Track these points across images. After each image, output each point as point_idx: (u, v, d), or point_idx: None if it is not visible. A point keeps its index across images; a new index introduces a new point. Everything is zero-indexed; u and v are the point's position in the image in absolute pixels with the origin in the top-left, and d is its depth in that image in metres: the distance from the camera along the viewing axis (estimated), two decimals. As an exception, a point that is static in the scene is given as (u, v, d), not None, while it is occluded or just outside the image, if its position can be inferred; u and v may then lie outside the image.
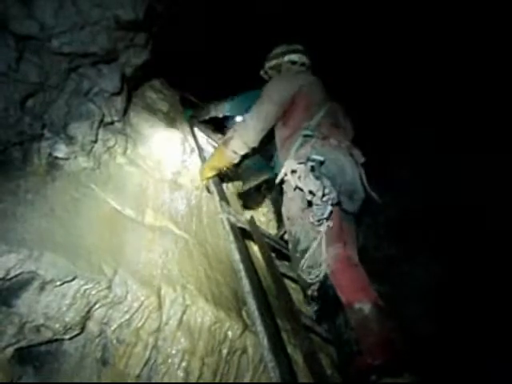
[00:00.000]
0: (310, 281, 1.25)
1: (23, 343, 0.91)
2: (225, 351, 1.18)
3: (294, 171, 1.37)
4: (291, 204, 1.41)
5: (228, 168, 1.72)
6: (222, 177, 1.90)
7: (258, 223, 1.62)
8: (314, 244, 1.22)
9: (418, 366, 0.95)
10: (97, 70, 1.43)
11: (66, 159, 1.32)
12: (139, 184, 1.53)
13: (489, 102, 3.26)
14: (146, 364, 1.04)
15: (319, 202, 1.24)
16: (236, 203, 2.04)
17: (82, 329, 0.99)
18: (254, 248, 1.76)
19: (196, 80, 2.94)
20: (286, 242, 1.60)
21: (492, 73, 3.18)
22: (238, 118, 2.24)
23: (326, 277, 1.20)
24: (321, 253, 1.22)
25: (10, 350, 0.89)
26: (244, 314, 1.35)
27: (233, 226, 1.41)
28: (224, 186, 1.91)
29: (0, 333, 0.88)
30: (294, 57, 1.86)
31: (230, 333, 1.20)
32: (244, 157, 1.64)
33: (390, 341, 0.99)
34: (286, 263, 1.74)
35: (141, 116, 1.85)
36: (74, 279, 0.98)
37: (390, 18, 3.28)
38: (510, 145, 3.16)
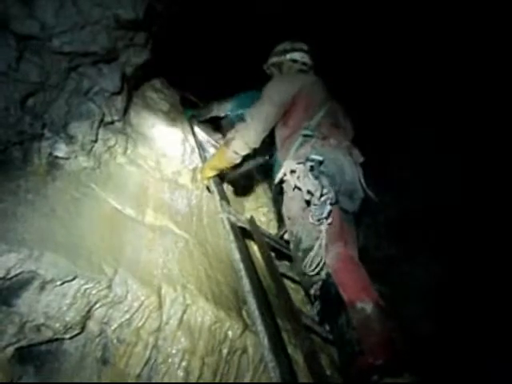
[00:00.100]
0: (312, 280, 1.25)
1: (23, 343, 0.91)
2: (225, 351, 1.18)
3: (293, 171, 1.38)
4: (292, 204, 1.41)
5: (228, 168, 1.72)
6: (223, 177, 1.90)
7: (258, 223, 1.62)
8: (317, 243, 1.22)
9: (418, 366, 0.95)
10: (97, 69, 1.43)
11: (67, 159, 1.32)
12: (139, 184, 1.53)
13: (489, 102, 3.26)
14: (146, 363, 1.04)
15: (317, 201, 1.24)
16: (236, 203, 2.04)
17: (83, 328, 0.99)
18: (254, 247, 1.76)
19: (196, 80, 2.94)
20: (286, 241, 1.61)
21: (492, 72, 3.18)
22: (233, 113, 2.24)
23: (328, 276, 1.20)
24: (323, 252, 1.22)
25: (11, 349, 0.89)
26: (244, 313, 1.35)
27: (233, 226, 1.41)
28: (224, 185, 1.92)
29: (0, 332, 0.88)
30: (296, 55, 1.85)
31: (230, 332, 1.20)
32: (245, 157, 1.64)
33: (391, 341, 0.99)
34: (286, 263, 1.74)
35: (141, 116, 1.85)
36: (74, 279, 0.98)
37: (390, 18, 3.28)
38: (510, 145, 3.16)
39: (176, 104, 2.36)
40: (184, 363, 1.07)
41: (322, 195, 1.25)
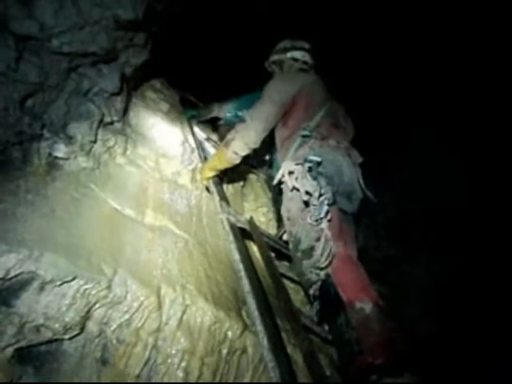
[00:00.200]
0: (311, 280, 1.25)
1: (23, 343, 0.90)
2: (224, 351, 1.18)
3: (291, 172, 1.38)
4: (290, 204, 1.41)
5: (228, 169, 1.72)
6: (222, 177, 1.90)
7: (257, 223, 1.62)
8: (322, 236, 1.21)
9: (418, 365, 0.95)
10: (96, 69, 1.43)
11: (66, 159, 1.32)
12: (139, 184, 1.53)
13: (489, 102, 3.26)
14: (145, 364, 1.04)
15: (316, 202, 1.25)
16: (236, 203, 2.04)
17: (82, 329, 0.99)
18: (254, 248, 1.76)
19: (196, 80, 2.94)
20: (286, 242, 1.61)
21: (492, 73, 3.18)
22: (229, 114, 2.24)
23: (327, 276, 1.20)
24: (330, 243, 1.22)
25: (10, 350, 0.89)
26: (244, 313, 1.35)
27: (232, 226, 1.41)
28: (224, 186, 1.92)
29: (0, 333, 0.88)
30: (297, 54, 1.85)
31: (229, 333, 1.20)
32: (245, 157, 1.64)
33: (390, 340, 1.00)
34: (286, 263, 1.74)
35: (141, 116, 1.85)
36: (73, 279, 0.98)
37: (390, 17, 3.28)
38: (510, 145, 3.16)
39: (176, 104, 2.36)
40: (183, 363, 1.07)
41: (320, 196, 1.25)
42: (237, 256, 1.23)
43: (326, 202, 1.25)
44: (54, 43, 1.23)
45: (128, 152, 1.60)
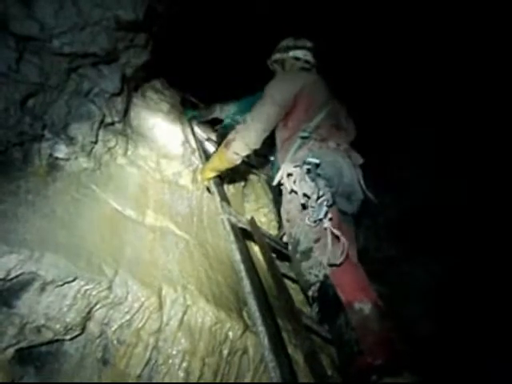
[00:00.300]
0: (310, 281, 1.25)
1: (24, 344, 0.90)
2: (225, 351, 1.18)
3: (289, 174, 1.38)
4: (290, 206, 1.41)
5: (229, 169, 1.72)
6: (223, 177, 1.90)
7: (258, 224, 1.62)
8: (328, 235, 1.21)
9: (418, 365, 0.96)
10: (97, 70, 1.43)
11: (67, 160, 1.32)
12: (140, 185, 1.53)
13: (489, 102, 3.26)
14: (146, 364, 1.04)
15: (314, 204, 1.25)
16: (237, 204, 2.04)
17: (83, 329, 0.99)
18: (255, 248, 1.76)
19: (196, 81, 2.94)
20: (287, 243, 1.61)
21: (492, 73, 3.18)
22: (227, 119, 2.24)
23: (325, 277, 1.20)
24: (321, 253, 1.22)
25: (11, 350, 0.89)
26: (245, 314, 1.35)
27: (233, 227, 1.41)
28: (225, 186, 1.92)
29: (1, 333, 0.87)
30: (299, 53, 1.83)
31: (230, 333, 1.20)
32: (246, 157, 1.64)
33: (390, 340, 1.00)
34: (287, 264, 1.74)
35: (141, 116, 1.85)
36: (74, 280, 0.98)
37: (390, 17, 3.28)
38: (510, 145, 3.16)
39: (176, 105, 2.36)
40: (184, 364, 1.07)
41: (318, 198, 1.25)
42: (238, 256, 1.23)
43: (324, 203, 1.26)
44: (55, 44, 1.23)
45: (129, 153, 1.60)
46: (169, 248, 1.36)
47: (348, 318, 1.08)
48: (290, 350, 1.33)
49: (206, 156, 1.98)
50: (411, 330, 2.52)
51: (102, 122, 1.47)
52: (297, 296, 1.73)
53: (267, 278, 1.55)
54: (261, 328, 0.99)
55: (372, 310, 1.06)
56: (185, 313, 1.15)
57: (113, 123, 1.56)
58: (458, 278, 3.05)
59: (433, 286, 3.06)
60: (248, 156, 1.63)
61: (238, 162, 1.62)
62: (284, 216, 1.46)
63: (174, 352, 1.08)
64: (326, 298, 1.18)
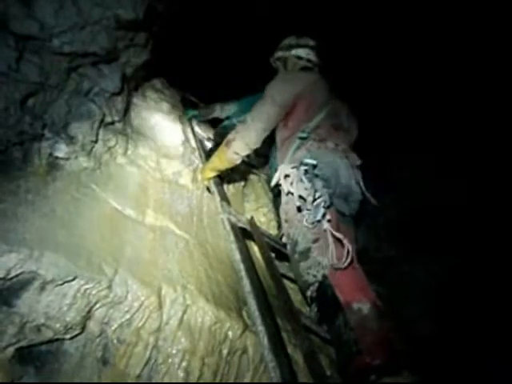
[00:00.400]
0: (308, 282, 1.25)
1: (24, 343, 0.91)
2: (225, 351, 1.18)
3: (287, 176, 1.38)
4: (288, 207, 1.41)
5: (229, 169, 1.72)
6: (223, 177, 1.90)
7: (258, 223, 1.62)
8: (329, 236, 1.21)
9: (417, 365, 0.96)
10: (97, 69, 1.43)
11: (67, 159, 1.32)
12: (140, 184, 1.53)
13: (489, 102, 3.26)
14: (146, 364, 1.04)
15: (310, 206, 1.25)
16: (237, 203, 2.04)
17: (83, 328, 0.99)
18: (255, 248, 1.76)
19: (197, 80, 2.94)
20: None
21: (492, 73, 3.18)
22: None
23: (324, 277, 1.20)
24: (320, 253, 1.22)
25: (11, 349, 0.89)
26: (244, 314, 1.35)
27: (233, 226, 1.42)
28: (225, 186, 1.92)
29: (0, 333, 0.88)
30: (301, 52, 1.82)
31: (230, 333, 1.20)
32: (246, 157, 1.64)
33: (388, 340, 1.00)
34: (286, 263, 1.74)
35: (141, 116, 1.85)
36: (74, 279, 0.98)
37: (390, 16, 3.28)
38: (510, 145, 3.16)
39: (176, 104, 2.37)
40: (184, 363, 1.07)
41: (315, 199, 1.25)
42: (237, 256, 1.23)
43: (322, 204, 1.26)
44: (55, 43, 1.23)
45: (129, 152, 1.60)
46: (169, 247, 1.36)
47: (347, 318, 1.08)
48: (290, 349, 1.33)
49: (206, 156, 1.98)
50: (411, 329, 2.52)
51: (102, 121, 1.47)
52: (296, 296, 1.73)
53: (267, 278, 1.55)
54: (260, 328, 0.99)
55: (371, 310, 1.06)
56: (184, 312, 1.15)
57: (113, 122, 1.56)
58: (458, 278, 3.05)
59: (433, 286, 3.06)
60: (248, 156, 1.64)
61: (238, 161, 1.62)
62: (282, 216, 1.47)
63: (174, 351, 1.08)
64: (325, 298, 1.18)
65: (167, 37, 2.12)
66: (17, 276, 0.92)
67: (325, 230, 1.22)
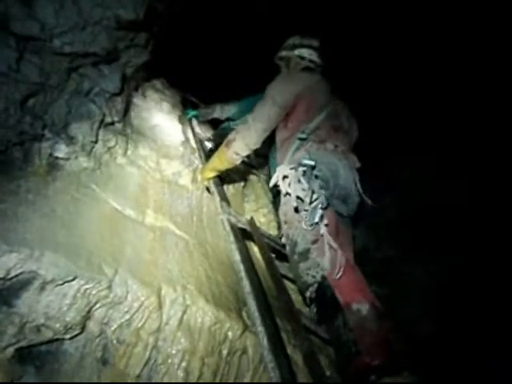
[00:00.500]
0: (307, 282, 1.25)
1: (24, 343, 0.91)
2: (225, 351, 1.18)
3: (285, 177, 1.38)
4: (287, 208, 1.41)
5: (229, 169, 1.72)
6: (223, 177, 1.90)
7: (258, 224, 1.62)
8: (325, 243, 1.21)
9: (417, 365, 0.96)
10: (97, 70, 1.43)
11: (67, 159, 1.32)
12: (140, 184, 1.53)
13: (489, 102, 3.26)
14: (146, 364, 1.04)
15: (307, 207, 1.25)
16: (236, 204, 2.04)
17: (83, 329, 0.99)
18: (255, 249, 1.76)
19: (197, 80, 2.94)
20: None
21: (492, 74, 3.18)
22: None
23: (323, 278, 1.20)
24: (319, 254, 1.22)
25: (11, 349, 0.89)
26: (244, 314, 1.35)
27: (233, 227, 1.42)
28: (224, 186, 1.92)
29: (0, 333, 0.88)
30: (304, 52, 1.81)
31: (230, 333, 1.20)
32: (246, 157, 1.64)
33: (388, 341, 1.00)
34: (286, 264, 1.74)
35: (141, 116, 1.85)
36: (74, 279, 0.98)
37: (390, 17, 3.28)
38: (510, 145, 3.15)
39: (177, 105, 2.37)
40: (184, 364, 1.07)
41: (312, 201, 1.25)
42: (237, 257, 1.24)
43: (319, 205, 1.26)
44: (55, 43, 1.23)
45: (129, 152, 1.60)
46: (168, 248, 1.36)
47: (346, 318, 1.08)
48: (289, 350, 1.33)
49: (206, 156, 1.98)
50: (411, 330, 2.52)
51: (102, 121, 1.47)
52: (296, 296, 1.73)
53: (267, 278, 1.56)
54: (260, 328, 0.99)
55: (370, 310, 1.06)
56: (184, 312, 1.15)
57: (113, 123, 1.56)
58: (458, 278, 3.05)
59: (433, 286, 3.05)
60: (248, 156, 1.64)
61: (238, 161, 1.62)
62: (282, 217, 1.47)
63: (174, 351, 1.08)
64: (324, 298, 1.18)
65: (167, 37, 2.12)
66: (17, 276, 0.92)
67: (322, 235, 1.22)
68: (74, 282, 0.98)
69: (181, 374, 1.06)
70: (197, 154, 1.96)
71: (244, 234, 1.47)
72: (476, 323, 2.81)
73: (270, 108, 1.54)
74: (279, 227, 2.00)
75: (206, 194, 1.80)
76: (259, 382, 1.22)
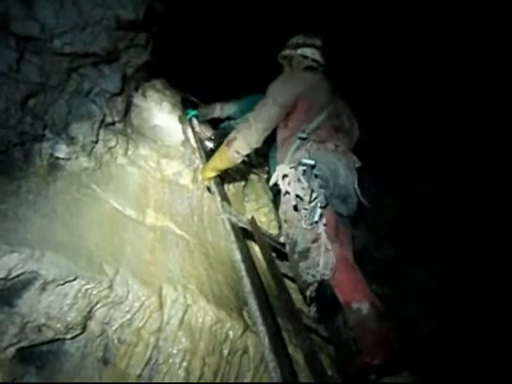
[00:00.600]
0: (307, 282, 1.25)
1: (25, 343, 0.91)
2: (226, 351, 1.18)
3: (285, 176, 1.38)
4: (287, 207, 1.41)
5: (229, 169, 1.72)
6: (223, 177, 1.90)
7: (259, 223, 1.62)
8: (322, 244, 1.21)
9: (417, 365, 0.96)
10: (98, 70, 1.43)
11: (68, 159, 1.32)
12: (140, 184, 1.53)
13: (489, 102, 3.26)
14: (147, 364, 1.04)
15: (307, 206, 1.25)
16: (237, 203, 2.04)
17: (84, 328, 0.99)
18: (255, 248, 1.76)
19: (197, 80, 2.94)
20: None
21: (492, 74, 3.18)
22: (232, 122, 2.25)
23: (323, 277, 1.21)
24: (318, 253, 1.22)
25: (12, 349, 0.89)
26: (245, 314, 1.35)
27: (234, 226, 1.42)
28: (225, 186, 1.92)
29: (1, 333, 0.88)
30: (307, 51, 1.79)
31: (231, 333, 1.20)
32: (247, 157, 1.64)
33: (388, 340, 1.00)
34: (287, 263, 1.74)
35: (142, 116, 1.85)
36: (75, 279, 0.98)
37: (391, 17, 3.28)
38: (510, 145, 3.16)
39: (177, 105, 2.37)
40: (185, 363, 1.08)
41: (311, 200, 1.25)
42: (238, 256, 1.24)
43: (318, 205, 1.26)
44: (56, 43, 1.23)
45: (129, 152, 1.60)
46: (169, 247, 1.36)
47: (346, 317, 1.08)
48: (291, 349, 1.33)
49: (207, 156, 1.98)
50: (411, 329, 2.52)
51: (102, 121, 1.47)
52: (297, 296, 1.73)
53: (267, 278, 1.56)
54: (261, 328, 0.99)
55: (370, 309, 1.06)
56: (185, 312, 1.15)
57: (113, 123, 1.56)
58: (458, 278, 3.05)
59: (433, 286, 3.06)
60: (248, 155, 1.64)
61: (239, 160, 1.62)
62: (282, 216, 1.47)
63: (175, 351, 1.08)
64: (324, 298, 1.18)
65: (167, 37, 2.12)
66: (18, 276, 0.92)
67: (320, 235, 1.22)
68: (74, 282, 0.98)
69: (182, 373, 1.06)
70: (197, 154, 1.96)
71: (245, 234, 1.47)
72: (476, 323, 2.81)
73: (270, 107, 1.55)
74: (280, 226, 2.00)
75: (206, 193, 1.80)
76: (260, 381, 1.22)
